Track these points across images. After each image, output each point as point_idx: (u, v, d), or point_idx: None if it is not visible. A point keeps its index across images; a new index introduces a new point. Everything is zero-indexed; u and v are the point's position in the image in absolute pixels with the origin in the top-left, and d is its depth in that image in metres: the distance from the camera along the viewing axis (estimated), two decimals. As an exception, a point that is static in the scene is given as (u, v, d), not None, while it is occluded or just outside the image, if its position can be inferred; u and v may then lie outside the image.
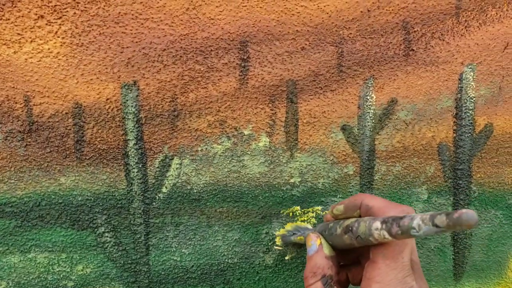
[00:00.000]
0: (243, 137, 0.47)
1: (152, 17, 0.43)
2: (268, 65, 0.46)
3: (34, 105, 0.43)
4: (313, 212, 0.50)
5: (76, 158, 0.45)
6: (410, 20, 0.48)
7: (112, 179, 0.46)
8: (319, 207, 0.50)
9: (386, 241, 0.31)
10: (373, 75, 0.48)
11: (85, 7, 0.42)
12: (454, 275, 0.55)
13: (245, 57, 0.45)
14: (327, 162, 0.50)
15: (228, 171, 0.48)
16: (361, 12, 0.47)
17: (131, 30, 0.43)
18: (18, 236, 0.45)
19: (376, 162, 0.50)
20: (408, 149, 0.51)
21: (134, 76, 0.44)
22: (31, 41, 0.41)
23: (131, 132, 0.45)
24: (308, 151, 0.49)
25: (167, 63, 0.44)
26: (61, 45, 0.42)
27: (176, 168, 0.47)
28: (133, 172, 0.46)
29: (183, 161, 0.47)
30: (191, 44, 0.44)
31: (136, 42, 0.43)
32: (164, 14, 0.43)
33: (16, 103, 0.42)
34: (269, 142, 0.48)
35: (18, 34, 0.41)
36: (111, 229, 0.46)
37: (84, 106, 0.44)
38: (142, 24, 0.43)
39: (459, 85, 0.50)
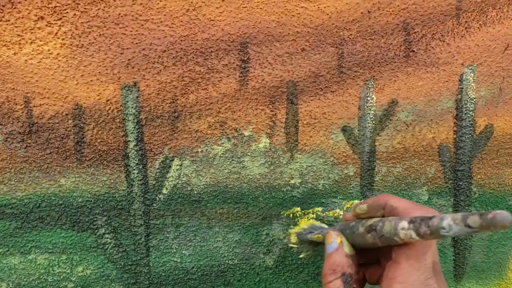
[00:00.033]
0: (243, 138, 0.47)
1: (152, 18, 0.43)
2: (268, 66, 0.46)
3: (34, 106, 0.43)
4: (313, 213, 0.50)
5: (76, 160, 0.45)
6: (411, 21, 0.48)
7: (112, 181, 0.46)
8: (320, 208, 0.50)
9: (412, 241, 0.30)
10: (374, 76, 0.48)
11: (85, 8, 0.42)
12: (455, 276, 0.55)
13: (245, 58, 0.45)
14: (328, 163, 0.50)
15: (228, 172, 0.48)
16: (362, 13, 0.47)
17: (131, 31, 0.43)
18: (18, 238, 0.45)
19: (376, 163, 0.50)
20: (408, 150, 0.51)
21: (134, 77, 0.44)
22: (31, 42, 0.41)
23: (131, 133, 0.45)
24: (309, 152, 0.49)
25: (167, 64, 0.44)
26: (61, 46, 0.42)
27: (177, 169, 0.47)
28: (134, 173, 0.46)
29: (184, 162, 0.47)
30: (191, 45, 0.44)
31: (136, 43, 0.43)
32: (164, 15, 0.43)
33: (16, 104, 0.42)
34: (269, 143, 0.48)
35: (18, 35, 0.41)
36: (112, 230, 0.46)
37: (84, 107, 0.44)
38: (142, 25, 0.43)
39: (460, 86, 0.50)
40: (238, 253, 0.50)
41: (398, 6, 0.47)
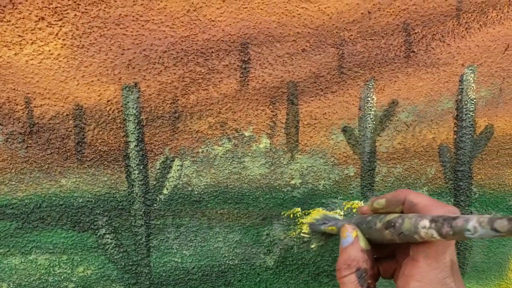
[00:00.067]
0: (243, 138, 0.47)
1: (153, 19, 0.43)
2: (269, 67, 0.46)
3: (34, 106, 0.43)
4: (313, 214, 0.50)
5: (77, 160, 0.45)
6: (411, 22, 0.48)
7: (113, 181, 0.46)
8: (320, 209, 0.50)
9: (432, 240, 0.30)
10: (374, 77, 0.48)
11: (86, 9, 0.42)
12: (455, 277, 0.55)
13: (245, 59, 0.45)
14: (328, 164, 0.50)
15: (228, 172, 0.48)
16: (362, 14, 0.47)
17: (132, 32, 0.43)
18: (19, 238, 0.45)
19: (377, 164, 0.50)
20: (408, 150, 0.51)
21: (135, 78, 0.44)
22: (32, 43, 0.41)
23: (132, 133, 0.45)
24: (309, 152, 0.49)
25: (168, 65, 0.44)
26: (62, 47, 0.42)
27: (177, 170, 0.47)
28: (134, 173, 0.46)
29: (184, 162, 0.47)
30: (192, 46, 0.44)
31: (137, 44, 0.43)
32: (165, 16, 0.43)
33: (17, 105, 0.42)
34: (270, 143, 0.48)
35: (19, 36, 0.41)
36: (112, 230, 0.46)
37: (85, 108, 0.44)
38: (143, 26, 0.43)
39: (460, 87, 0.50)
40: (238, 254, 0.50)
41: (399, 7, 0.47)
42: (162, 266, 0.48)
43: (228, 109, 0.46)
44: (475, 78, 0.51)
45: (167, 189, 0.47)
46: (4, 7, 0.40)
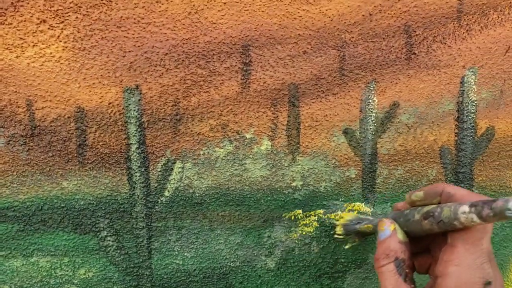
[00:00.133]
0: (245, 140, 0.47)
1: (154, 21, 0.43)
2: (270, 69, 0.46)
3: (36, 109, 0.43)
4: (315, 216, 0.50)
5: (79, 162, 0.45)
6: (412, 24, 0.48)
7: (114, 183, 0.46)
8: (321, 211, 0.50)
9: (472, 224, 0.31)
10: (375, 79, 0.48)
11: (87, 12, 0.42)
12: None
13: (247, 61, 0.46)
14: (329, 166, 0.50)
15: (230, 174, 0.48)
16: (363, 16, 0.47)
17: (133, 34, 0.43)
18: (20, 240, 0.45)
19: (378, 166, 0.50)
20: (410, 152, 0.51)
21: (136, 80, 0.44)
22: (33, 45, 0.41)
23: (133, 136, 0.45)
24: (310, 154, 0.49)
25: (170, 67, 0.44)
26: (63, 50, 0.42)
27: (179, 172, 0.47)
28: (136, 176, 0.46)
29: (186, 165, 0.47)
30: (193, 48, 0.44)
31: (138, 46, 0.43)
32: (166, 18, 0.43)
33: (18, 107, 0.42)
34: (271, 145, 0.48)
35: (20, 38, 0.41)
36: (114, 233, 0.47)
37: (86, 110, 0.44)
38: (144, 28, 0.43)
39: (461, 89, 0.50)
40: (240, 256, 0.50)
41: (400, 9, 0.47)
42: (164, 268, 0.48)
43: (229, 111, 0.46)
44: (476, 80, 0.51)
45: (168, 191, 0.47)
46: (6, 9, 0.40)
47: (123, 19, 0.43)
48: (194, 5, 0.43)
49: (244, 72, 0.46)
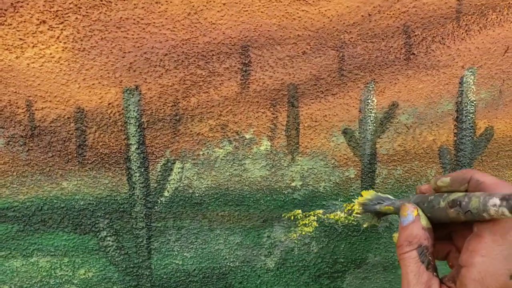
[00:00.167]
0: (244, 141, 0.48)
1: (154, 22, 0.43)
2: (270, 70, 0.46)
3: (36, 109, 0.43)
4: (314, 216, 0.50)
5: (78, 163, 0.45)
6: (411, 24, 0.48)
7: (114, 183, 0.46)
8: (321, 211, 0.50)
9: (502, 218, 0.30)
10: (374, 79, 0.49)
11: (87, 12, 0.42)
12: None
13: (246, 62, 0.46)
14: (329, 166, 0.50)
15: (229, 175, 0.48)
16: (362, 16, 0.47)
17: (132, 35, 0.43)
18: (20, 241, 0.45)
19: (377, 166, 0.51)
20: (409, 152, 0.51)
21: (136, 81, 0.44)
22: (33, 46, 0.42)
23: (133, 136, 0.45)
24: (310, 154, 0.49)
25: (169, 68, 0.44)
26: (63, 50, 0.42)
27: (178, 172, 0.47)
28: (135, 176, 0.46)
29: (185, 165, 0.47)
30: (192, 49, 0.44)
31: (138, 47, 0.43)
32: (166, 19, 0.43)
33: (18, 108, 0.43)
34: (271, 146, 0.48)
35: (20, 39, 0.41)
36: (113, 233, 0.47)
37: (86, 111, 0.44)
38: (143, 29, 0.43)
39: (460, 89, 0.51)
40: (239, 256, 0.50)
41: (399, 9, 0.47)
42: (163, 268, 0.48)
43: (229, 111, 0.47)
44: (475, 80, 0.51)
45: (168, 191, 0.47)
46: (6, 10, 0.41)
47: (123, 20, 0.43)
48: (193, 6, 0.44)
49: (243, 72, 0.46)
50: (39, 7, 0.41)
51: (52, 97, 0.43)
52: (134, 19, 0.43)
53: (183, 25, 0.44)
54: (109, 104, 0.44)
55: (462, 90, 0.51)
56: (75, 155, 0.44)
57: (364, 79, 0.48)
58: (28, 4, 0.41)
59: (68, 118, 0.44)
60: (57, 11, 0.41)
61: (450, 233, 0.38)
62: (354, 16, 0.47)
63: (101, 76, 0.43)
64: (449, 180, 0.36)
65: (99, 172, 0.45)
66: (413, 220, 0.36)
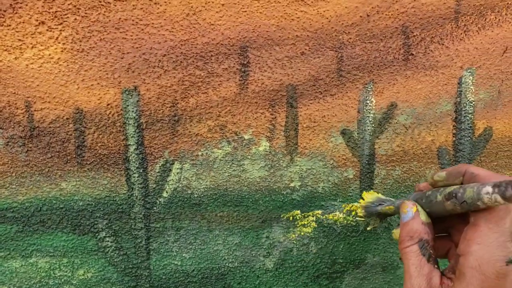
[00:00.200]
0: (243, 141, 0.48)
1: (153, 23, 0.43)
2: (268, 70, 0.46)
3: (35, 110, 0.43)
4: (313, 216, 0.50)
5: (77, 163, 0.45)
6: (410, 25, 0.48)
7: (113, 184, 0.46)
8: (319, 211, 0.50)
9: (496, 205, 0.31)
10: (373, 80, 0.49)
11: (86, 13, 0.42)
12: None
13: (245, 62, 0.46)
14: (327, 166, 0.50)
15: (228, 175, 0.48)
16: (361, 17, 0.47)
17: (131, 35, 0.43)
18: (19, 241, 0.45)
19: (376, 166, 0.51)
20: (407, 153, 0.51)
21: (134, 82, 0.44)
22: (32, 47, 0.42)
23: (131, 137, 0.45)
24: (308, 155, 0.49)
25: (168, 69, 0.44)
26: (62, 51, 0.42)
27: (177, 173, 0.47)
28: (134, 177, 0.46)
29: (184, 165, 0.47)
30: (191, 50, 0.44)
31: (137, 47, 0.43)
32: (165, 19, 0.43)
33: (17, 108, 0.43)
34: (269, 146, 0.48)
35: (19, 40, 0.41)
36: (112, 233, 0.47)
37: (85, 112, 0.44)
38: (142, 29, 0.43)
39: (459, 89, 0.51)
40: (238, 256, 0.50)
41: (397, 9, 0.47)
42: (162, 269, 0.49)
43: (227, 112, 0.47)
44: (473, 81, 0.51)
45: (166, 192, 0.47)
46: (5, 11, 0.41)
47: (122, 21, 0.43)
48: (192, 7, 0.44)
49: (242, 73, 0.46)
50: (38, 8, 0.41)
51: (51, 98, 0.43)
52: (132, 20, 0.43)
53: (181, 26, 0.44)
54: (108, 104, 0.44)
55: (461, 91, 0.51)
56: (74, 155, 0.45)
57: (363, 79, 0.48)
58: (27, 5, 0.41)
59: (67, 119, 0.44)
60: (56, 12, 0.41)
61: (449, 229, 0.39)
62: (353, 16, 0.47)
63: (99, 77, 0.43)
64: (445, 174, 0.37)
65: (98, 172, 0.45)
66: (413, 216, 0.37)
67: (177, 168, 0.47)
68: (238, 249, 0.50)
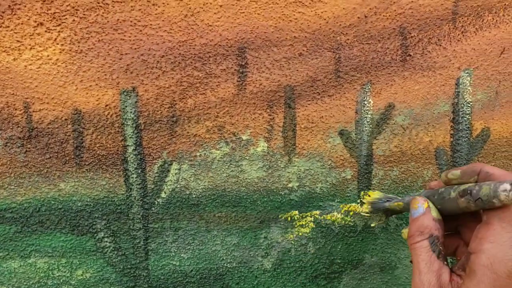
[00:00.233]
0: (241, 142, 0.48)
1: (151, 24, 0.43)
2: (266, 71, 0.46)
3: (33, 111, 0.43)
4: (311, 217, 0.50)
5: (76, 164, 0.45)
6: (407, 26, 0.48)
7: (111, 185, 0.46)
8: (317, 212, 0.50)
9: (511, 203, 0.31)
10: (371, 80, 0.49)
11: (84, 14, 0.42)
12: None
13: (243, 63, 0.46)
14: (325, 167, 0.50)
15: (226, 176, 0.48)
16: (358, 18, 0.47)
17: (129, 36, 0.43)
18: (18, 242, 0.45)
19: (373, 167, 0.51)
20: (405, 153, 0.51)
21: (133, 83, 0.44)
22: (31, 48, 0.42)
23: (130, 138, 0.45)
24: (306, 156, 0.49)
25: (166, 70, 0.45)
26: (60, 52, 0.42)
27: (175, 174, 0.47)
28: (132, 177, 0.46)
29: (182, 166, 0.47)
30: (189, 51, 0.45)
31: (135, 48, 0.44)
32: (163, 20, 0.43)
33: (16, 109, 0.43)
34: (267, 147, 0.48)
35: (18, 41, 0.41)
36: (111, 234, 0.47)
37: (83, 113, 0.44)
38: (140, 31, 0.43)
39: (456, 90, 0.51)
40: (236, 256, 0.50)
41: (395, 11, 0.47)
42: (161, 269, 0.49)
43: (225, 113, 0.47)
44: (471, 81, 0.51)
45: (165, 192, 0.47)
46: (3, 12, 0.41)
47: (120, 22, 0.43)
48: (190, 8, 0.44)
49: (240, 74, 0.46)
50: (36, 9, 0.41)
51: (49, 99, 0.43)
52: (131, 21, 0.43)
53: (179, 27, 0.44)
54: (106, 105, 0.44)
55: (459, 91, 0.51)
56: (73, 156, 0.45)
57: (361, 80, 0.49)
58: (25, 6, 0.41)
59: (66, 119, 0.44)
60: (54, 13, 0.42)
61: (458, 228, 0.39)
62: (351, 17, 0.47)
63: (98, 78, 0.44)
64: (460, 173, 0.37)
65: (96, 173, 0.45)
66: (424, 212, 0.37)
67: (175, 169, 0.47)
68: (236, 250, 0.50)
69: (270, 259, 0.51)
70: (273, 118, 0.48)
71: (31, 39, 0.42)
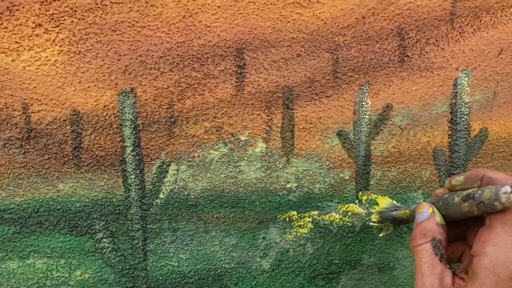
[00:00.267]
0: (239, 143, 0.48)
1: (149, 25, 0.43)
2: (264, 72, 0.47)
3: (32, 112, 0.43)
4: (309, 217, 0.51)
5: (74, 165, 0.45)
6: (405, 27, 0.48)
7: (110, 186, 0.46)
8: (316, 212, 0.51)
9: None
10: (368, 81, 0.49)
11: (82, 15, 0.42)
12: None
13: (241, 64, 0.46)
14: (323, 167, 0.50)
15: (224, 176, 0.48)
16: (356, 18, 0.47)
17: (128, 37, 0.43)
18: (17, 242, 0.45)
19: (371, 167, 0.51)
20: (403, 154, 0.51)
21: (131, 83, 0.44)
22: (29, 49, 0.42)
23: (128, 138, 0.45)
24: (304, 156, 0.49)
25: (164, 70, 0.45)
26: (59, 53, 0.43)
27: (173, 174, 0.47)
28: (131, 178, 0.46)
29: (180, 167, 0.47)
30: (187, 51, 0.45)
31: (133, 49, 0.44)
32: (161, 21, 0.44)
33: (14, 110, 0.43)
34: (266, 147, 0.48)
35: (16, 42, 0.42)
36: (109, 235, 0.47)
37: (82, 113, 0.44)
38: (139, 32, 0.43)
39: (454, 91, 0.51)
40: (234, 257, 0.50)
41: (393, 11, 0.48)
42: (159, 270, 0.49)
43: (224, 113, 0.47)
44: (469, 82, 0.51)
45: (163, 193, 0.47)
46: (1, 13, 0.41)
47: (118, 23, 0.43)
48: (188, 9, 0.44)
49: (238, 75, 0.46)
50: (34, 10, 0.41)
51: (48, 100, 0.43)
52: (129, 22, 0.43)
53: (178, 28, 0.44)
54: (105, 106, 0.44)
55: (456, 92, 0.51)
56: (71, 157, 0.45)
57: (358, 81, 0.49)
58: (24, 7, 0.41)
59: (64, 120, 0.44)
60: (52, 14, 0.42)
61: (464, 233, 0.39)
62: (348, 18, 0.47)
63: (96, 78, 0.44)
64: (463, 179, 0.38)
65: (94, 174, 0.45)
66: (428, 217, 0.37)
67: (174, 170, 0.47)
68: (235, 250, 0.50)
69: (269, 259, 0.51)
70: (271, 118, 0.48)
71: (29, 40, 0.42)
